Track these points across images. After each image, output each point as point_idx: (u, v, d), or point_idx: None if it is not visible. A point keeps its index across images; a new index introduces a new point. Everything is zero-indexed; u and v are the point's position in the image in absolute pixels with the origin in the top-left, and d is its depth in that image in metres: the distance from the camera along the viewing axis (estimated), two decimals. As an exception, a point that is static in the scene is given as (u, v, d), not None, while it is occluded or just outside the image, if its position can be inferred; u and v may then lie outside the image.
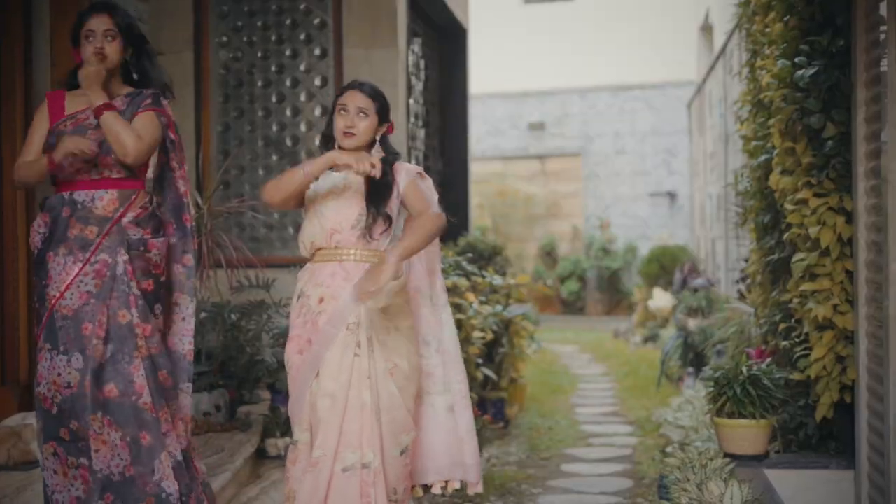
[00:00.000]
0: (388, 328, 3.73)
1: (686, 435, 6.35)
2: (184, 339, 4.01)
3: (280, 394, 5.47)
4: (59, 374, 3.75)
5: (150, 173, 3.98)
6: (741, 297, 7.61)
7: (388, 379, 3.70)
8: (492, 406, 7.62)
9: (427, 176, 3.92)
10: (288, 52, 6.84)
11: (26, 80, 5.34)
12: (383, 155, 3.83)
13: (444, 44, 9.09)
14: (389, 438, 3.69)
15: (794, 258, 5.09)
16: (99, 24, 3.84)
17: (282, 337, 5.43)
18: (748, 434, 5.08)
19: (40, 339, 3.80)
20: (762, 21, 6.34)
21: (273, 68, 6.88)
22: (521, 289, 8.16)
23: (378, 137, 3.83)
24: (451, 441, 3.93)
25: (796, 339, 5.26)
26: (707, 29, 15.98)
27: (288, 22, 6.82)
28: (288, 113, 6.87)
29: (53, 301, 3.75)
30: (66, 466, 3.77)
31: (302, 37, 6.82)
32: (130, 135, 3.77)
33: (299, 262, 6.35)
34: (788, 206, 5.16)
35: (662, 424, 7.11)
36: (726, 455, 5.06)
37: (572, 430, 7.98)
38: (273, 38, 6.86)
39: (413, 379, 3.80)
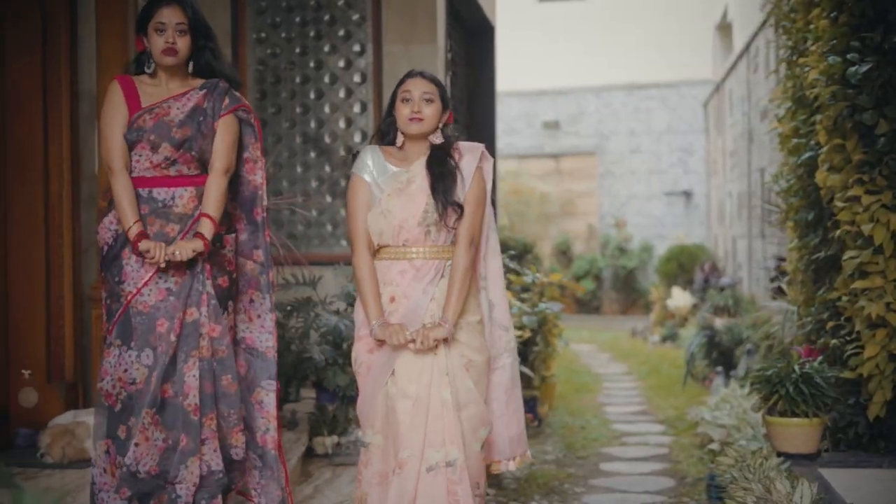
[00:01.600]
0: (461, 324, 3.69)
1: (728, 434, 6.31)
2: (262, 336, 3.97)
3: (326, 392, 5.43)
4: (126, 370, 3.70)
5: None
6: (776, 295, 7.57)
7: (465, 374, 3.65)
8: (525, 404, 7.57)
9: (489, 156, 3.84)
10: (326, 49, 6.80)
11: (72, 76, 5.31)
12: (443, 142, 3.77)
13: (473, 41, 9.05)
14: (469, 434, 3.65)
15: (845, 255, 5.05)
16: (171, 16, 3.78)
17: (329, 334, 5.39)
18: (801, 433, 5.05)
19: (111, 335, 3.74)
20: (802, 18, 6.30)
21: (311, 64, 6.84)
22: (554, 287, 8.12)
23: (440, 126, 3.78)
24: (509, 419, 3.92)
25: (847, 338, 5.23)
26: (724, 27, 15.95)
27: (326, 18, 6.78)
28: (326, 110, 6.83)
29: (129, 297, 3.71)
30: (114, 466, 3.72)
31: (340, 33, 6.78)
32: (222, 195, 3.79)
33: (338, 260, 6.34)
34: (838, 204, 5.12)
35: (700, 423, 7.06)
36: (778, 454, 5.03)
37: (605, 428, 7.94)
38: (311, 33, 6.82)
39: (485, 373, 3.77)
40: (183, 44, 3.79)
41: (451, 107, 3.84)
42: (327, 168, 6.84)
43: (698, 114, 16.85)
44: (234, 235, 3.89)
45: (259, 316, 3.98)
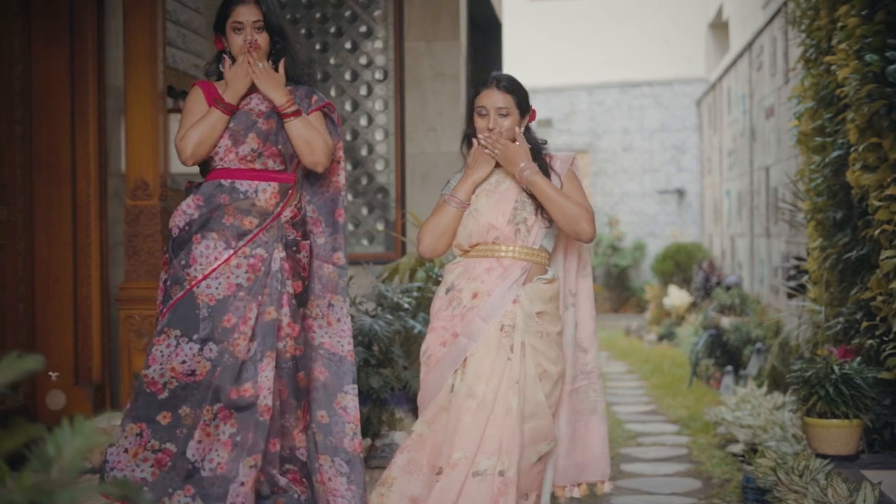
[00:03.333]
0: (541, 333, 3.61)
1: (754, 434, 6.27)
2: (342, 341, 3.90)
3: (360, 394, 5.34)
4: (184, 362, 3.60)
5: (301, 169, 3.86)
6: (795, 293, 7.55)
7: (538, 385, 3.57)
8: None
9: (576, 162, 3.80)
10: (347, 45, 6.71)
11: (99, 72, 5.20)
12: (528, 146, 3.70)
13: (480, 37, 8.97)
14: (529, 445, 3.57)
15: (882, 255, 5.02)
16: (248, 14, 3.72)
17: (359, 335, 5.31)
18: (840, 434, 5.01)
19: (162, 319, 3.64)
20: (826, 16, 6.27)
21: (332, 61, 6.75)
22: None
23: (521, 129, 3.71)
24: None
25: (883, 338, 5.19)
26: (719, 26, 15.95)
27: (347, 14, 6.69)
28: (347, 107, 6.74)
29: (193, 283, 3.62)
30: (142, 449, 3.62)
31: (361, 29, 6.69)
32: (320, 139, 3.68)
33: (364, 259, 6.27)
34: (874, 203, 5.09)
35: (720, 423, 7.03)
36: (818, 455, 4.99)
37: (618, 428, 7.89)
38: (332, 30, 6.73)
39: (559, 386, 3.69)
40: (262, 41, 3.73)
41: (530, 108, 3.76)
42: (349, 166, 6.76)
43: (691, 112, 16.85)
44: (309, 242, 3.82)
45: (339, 320, 3.91)
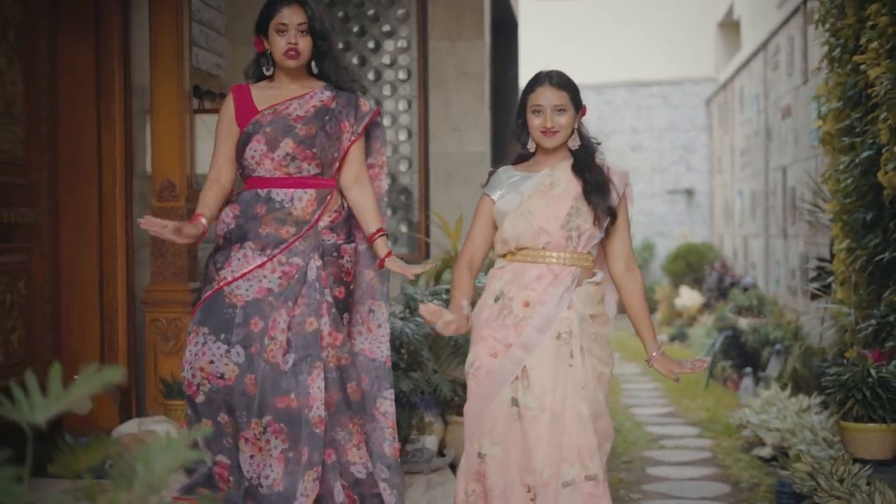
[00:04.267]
0: (595, 335, 3.53)
1: (782, 438, 6.21)
2: (381, 347, 3.84)
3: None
4: (212, 362, 3.56)
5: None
6: (817, 295, 7.48)
7: (598, 387, 3.52)
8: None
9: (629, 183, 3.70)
10: (370, 45, 6.63)
11: (125, 70, 5.13)
12: (581, 144, 3.61)
13: (498, 36, 8.90)
14: (600, 448, 3.53)
15: (919, 257, 4.96)
16: (293, 16, 3.65)
17: (393, 339, 5.25)
18: (877, 438, 4.95)
19: (194, 316, 3.62)
20: (854, 15, 6.21)
21: (354, 61, 6.67)
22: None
23: (576, 126, 3.63)
24: None
25: (918, 341, 5.14)
26: (728, 25, 15.88)
27: (370, 13, 6.62)
28: (370, 107, 6.67)
29: (222, 283, 3.56)
30: (202, 463, 3.58)
31: (384, 28, 6.61)
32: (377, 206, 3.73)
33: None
34: (909, 204, 5.03)
35: (745, 426, 6.96)
36: (855, 460, 4.92)
37: (639, 431, 7.83)
38: (354, 29, 6.65)
39: (610, 385, 3.65)
40: (305, 45, 3.67)
41: (582, 103, 3.66)
42: (371, 167, 6.69)
43: (700, 111, 16.78)
44: (353, 245, 3.75)
45: (379, 326, 3.84)
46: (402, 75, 6.57)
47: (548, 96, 3.52)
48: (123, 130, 5.05)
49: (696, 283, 13.81)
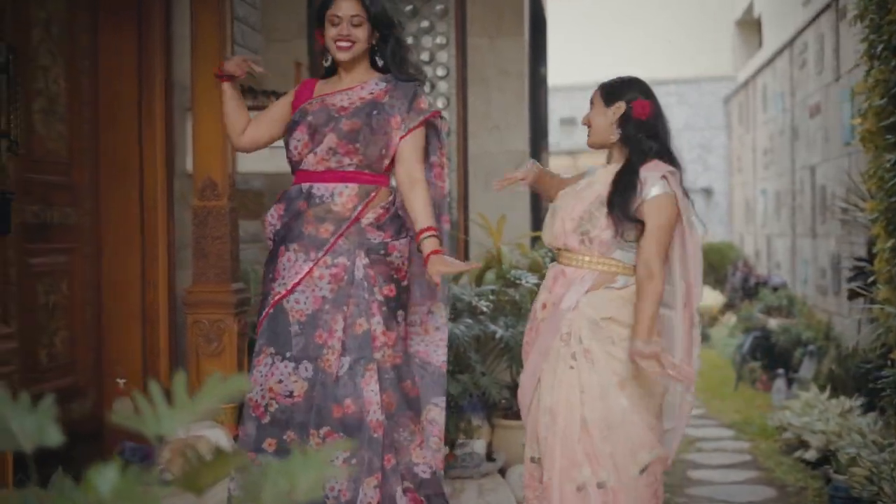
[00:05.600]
0: (612, 339, 3.39)
1: (828, 441, 6.10)
2: (438, 351, 3.72)
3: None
4: (281, 381, 3.46)
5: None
6: (858, 294, 7.36)
7: (619, 392, 3.37)
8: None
9: (678, 184, 3.49)
10: (408, 41, 6.52)
11: (167, 65, 5.03)
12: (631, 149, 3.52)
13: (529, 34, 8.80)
14: (626, 456, 3.38)
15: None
16: (347, 8, 3.55)
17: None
18: (936, 442, 4.85)
19: (259, 336, 3.52)
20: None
21: (392, 57, 6.57)
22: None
23: (616, 126, 3.53)
24: None
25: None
26: (747, 23, 15.78)
27: (408, 9, 6.51)
28: (407, 104, 6.56)
29: (277, 298, 3.47)
30: None
31: (423, 24, 6.50)
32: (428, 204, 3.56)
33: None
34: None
35: (786, 428, 6.84)
36: (913, 464, 4.82)
37: (674, 433, 7.72)
38: (391, 25, 6.55)
39: (653, 393, 3.48)
40: (359, 35, 3.55)
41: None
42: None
43: (717, 110, 16.68)
44: (404, 241, 3.61)
45: (437, 328, 3.72)
46: (440, 72, 6.46)
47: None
48: (165, 129, 4.94)
49: (718, 283, 13.70)
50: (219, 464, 1.61)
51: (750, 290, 11.32)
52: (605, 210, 3.40)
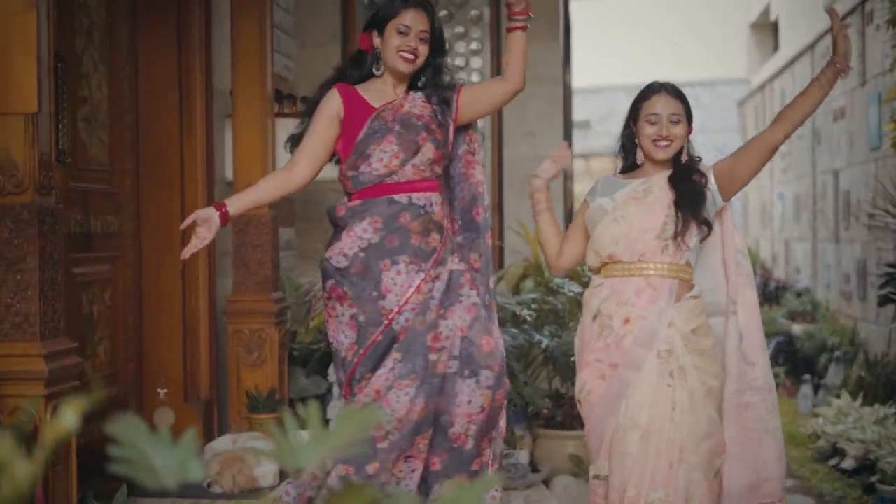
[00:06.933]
0: (700, 350, 3.38)
1: (867, 450, 6.04)
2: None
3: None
4: (401, 399, 3.33)
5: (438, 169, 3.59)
6: (887, 300, 7.31)
7: (709, 402, 3.35)
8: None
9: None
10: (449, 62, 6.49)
11: (207, 72, 4.98)
12: (687, 159, 3.52)
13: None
14: (706, 465, 3.35)
15: None
16: (417, 21, 3.44)
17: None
18: None
19: (359, 365, 3.36)
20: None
21: (425, 62, 6.52)
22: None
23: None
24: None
25: None
26: (762, 26, 15.74)
27: (442, 14, 6.45)
28: (441, 110, 6.52)
29: (392, 316, 3.35)
30: None
31: (457, 30, 6.45)
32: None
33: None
34: None
35: (820, 436, 6.79)
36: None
37: (703, 440, 7.67)
38: (425, 30, 6.50)
39: (720, 398, 3.48)
40: (422, 52, 3.46)
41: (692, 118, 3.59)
42: (443, 171, 6.55)
43: (732, 113, 16.63)
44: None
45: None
46: (475, 78, 6.41)
47: (667, 104, 3.43)
48: (205, 136, 4.90)
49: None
50: (353, 496, 1.56)
51: (770, 294, 11.25)
52: (682, 215, 3.38)
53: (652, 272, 3.39)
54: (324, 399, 5.29)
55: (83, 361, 3.38)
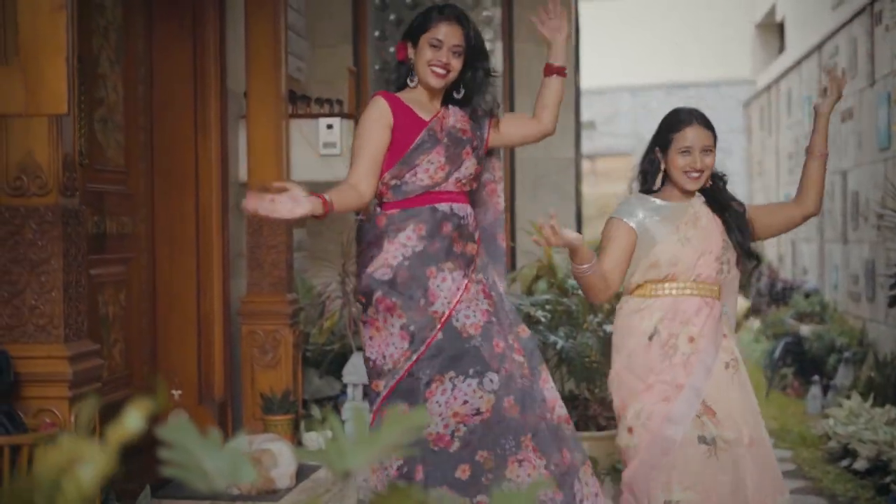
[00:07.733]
0: (731, 363, 3.48)
1: (879, 451, 6.04)
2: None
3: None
4: (466, 402, 3.29)
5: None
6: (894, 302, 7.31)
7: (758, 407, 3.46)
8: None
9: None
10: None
11: (221, 73, 4.98)
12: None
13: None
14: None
15: None
16: (450, 35, 3.40)
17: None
18: None
19: (429, 366, 3.31)
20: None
21: (436, 64, 6.52)
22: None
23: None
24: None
25: None
26: (767, 26, 15.73)
27: (454, 15, 6.46)
28: (453, 111, 6.51)
29: (444, 318, 3.31)
30: None
31: (469, 31, 6.45)
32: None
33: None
34: None
35: (831, 437, 6.78)
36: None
37: (713, 441, 7.67)
38: (437, 31, 6.50)
39: None
40: (455, 66, 3.43)
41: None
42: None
43: (737, 114, 16.62)
44: None
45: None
46: (485, 79, 6.40)
47: (699, 136, 3.43)
48: (220, 137, 4.89)
49: (740, 287, 13.64)
50: (395, 499, 1.55)
51: (777, 295, 11.25)
52: (735, 243, 3.49)
53: (707, 293, 3.44)
54: (337, 400, 5.29)
55: (104, 363, 3.37)
